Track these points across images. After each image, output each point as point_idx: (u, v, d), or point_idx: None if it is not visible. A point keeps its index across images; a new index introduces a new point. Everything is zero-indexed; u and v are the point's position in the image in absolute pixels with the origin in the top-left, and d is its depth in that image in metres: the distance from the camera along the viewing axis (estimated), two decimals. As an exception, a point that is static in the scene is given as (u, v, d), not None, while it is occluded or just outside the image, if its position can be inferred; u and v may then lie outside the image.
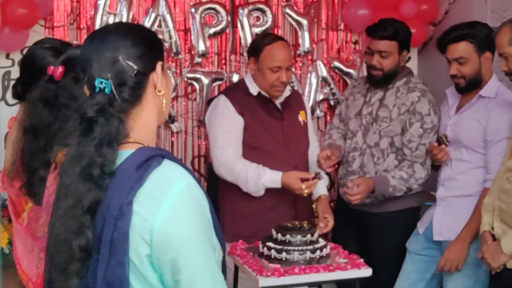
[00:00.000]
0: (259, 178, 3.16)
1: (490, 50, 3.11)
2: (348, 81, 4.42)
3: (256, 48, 3.29)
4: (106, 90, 1.46)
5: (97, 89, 1.46)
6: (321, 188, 3.37)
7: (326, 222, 3.25)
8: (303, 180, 3.11)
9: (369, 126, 3.48)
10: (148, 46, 1.53)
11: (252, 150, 3.25)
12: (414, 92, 3.45)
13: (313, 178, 3.11)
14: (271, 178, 3.16)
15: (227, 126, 3.24)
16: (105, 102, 1.45)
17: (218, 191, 3.42)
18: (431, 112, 3.40)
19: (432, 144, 3.27)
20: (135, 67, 1.49)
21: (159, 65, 1.54)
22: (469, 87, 3.16)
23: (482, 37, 3.10)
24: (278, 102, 3.36)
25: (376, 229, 3.50)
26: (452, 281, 3.15)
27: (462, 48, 3.11)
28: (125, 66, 1.49)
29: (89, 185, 1.40)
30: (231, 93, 3.35)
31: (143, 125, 1.52)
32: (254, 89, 3.30)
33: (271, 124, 3.31)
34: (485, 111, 3.10)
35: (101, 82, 1.46)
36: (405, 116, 3.42)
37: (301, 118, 3.44)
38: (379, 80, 3.48)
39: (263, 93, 3.30)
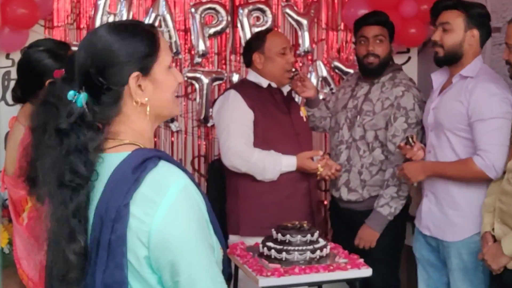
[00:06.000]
0: (276, 165, 3.23)
1: (479, 29, 3.05)
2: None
3: (258, 42, 3.39)
4: (78, 103, 1.46)
5: (71, 101, 1.47)
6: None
7: (330, 165, 3.31)
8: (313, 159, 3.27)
9: (354, 119, 3.53)
10: (125, 57, 1.48)
11: (264, 143, 3.28)
12: (399, 87, 3.48)
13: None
14: (288, 163, 3.25)
15: (238, 118, 3.27)
16: (76, 115, 1.45)
17: (228, 187, 3.43)
18: (415, 107, 3.42)
19: (399, 144, 3.26)
20: (105, 82, 1.47)
21: (132, 76, 1.49)
22: (447, 59, 3.08)
23: (475, 13, 3.05)
24: (284, 92, 3.44)
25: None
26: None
27: (452, 15, 3.05)
28: (96, 81, 1.47)
29: (67, 192, 1.43)
30: (240, 87, 3.40)
31: (133, 130, 1.51)
32: (264, 82, 3.36)
33: (281, 117, 3.37)
34: (466, 91, 2.99)
35: (74, 95, 1.47)
36: (389, 110, 3.45)
37: (302, 113, 3.51)
38: (375, 68, 3.50)
39: (273, 84, 3.35)
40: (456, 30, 3.04)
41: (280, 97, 3.41)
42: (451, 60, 3.07)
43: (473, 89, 2.97)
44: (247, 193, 3.30)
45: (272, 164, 3.22)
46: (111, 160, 1.45)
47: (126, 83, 1.49)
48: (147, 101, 1.51)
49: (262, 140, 3.28)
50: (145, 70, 1.50)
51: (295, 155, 3.27)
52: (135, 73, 1.49)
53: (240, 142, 3.23)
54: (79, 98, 1.46)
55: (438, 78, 3.22)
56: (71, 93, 1.47)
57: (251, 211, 3.29)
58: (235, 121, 3.26)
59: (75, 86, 1.49)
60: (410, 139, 3.17)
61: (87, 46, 1.49)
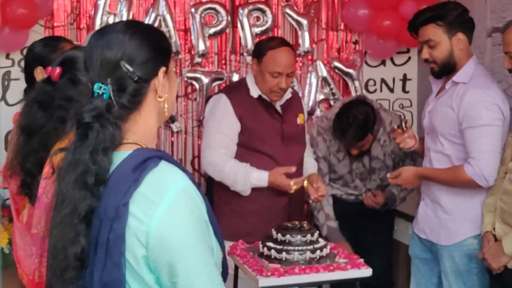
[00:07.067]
0: (247, 178, 3.18)
1: (463, 31, 2.97)
2: (348, 81, 4.44)
3: (260, 51, 3.27)
4: (105, 95, 1.45)
5: (96, 94, 1.45)
6: (311, 169, 3.43)
7: (317, 187, 3.21)
8: (289, 176, 3.14)
9: (367, 176, 3.72)
10: (154, 51, 1.51)
11: (252, 152, 3.25)
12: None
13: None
14: (259, 177, 3.19)
15: (222, 127, 3.24)
16: (103, 108, 1.43)
17: (214, 190, 3.42)
18: None
19: (393, 126, 3.35)
20: (137, 73, 1.47)
21: (161, 70, 1.52)
22: (443, 71, 3.02)
23: (453, 17, 2.96)
24: (279, 105, 3.36)
25: (370, 216, 3.72)
26: None
27: (430, 31, 2.97)
28: (127, 72, 1.46)
29: (84, 193, 1.40)
30: (232, 93, 3.33)
31: (142, 128, 1.51)
32: (255, 92, 3.29)
33: (271, 126, 3.31)
34: (457, 97, 2.95)
35: (100, 87, 1.45)
36: (394, 154, 3.71)
37: (299, 120, 3.44)
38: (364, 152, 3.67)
39: (264, 96, 3.30)
40: (441, 43, 2.97)
41: (272, 108, 3.33)
42: (447, 71, 3.02)
43: (464, 95, 2.93)
44: (229, 199, 3.28)
45: (243, 178, 3.18)
46: (114, 159, 1.45)
47: (154, 77, 1.50)
48: (166, 98, 1.53)
49: (250, 149, 3.25)
50: (167, 67, 1.54)
51: (274, 167, 3.18)
52: (163, 68, 1.52)
53: (217, 152, 3.21)
54: (107, 90, 1.45)
55: (435, 81, 3.18)
56: (97, 85, 1.45)
57: (231, 217, 3.25)
58: (218, 130, 3.23)
59: (81, 84, 1.48)
60: (403, 124, 3.14)
61: (115, 40, 1.48)
